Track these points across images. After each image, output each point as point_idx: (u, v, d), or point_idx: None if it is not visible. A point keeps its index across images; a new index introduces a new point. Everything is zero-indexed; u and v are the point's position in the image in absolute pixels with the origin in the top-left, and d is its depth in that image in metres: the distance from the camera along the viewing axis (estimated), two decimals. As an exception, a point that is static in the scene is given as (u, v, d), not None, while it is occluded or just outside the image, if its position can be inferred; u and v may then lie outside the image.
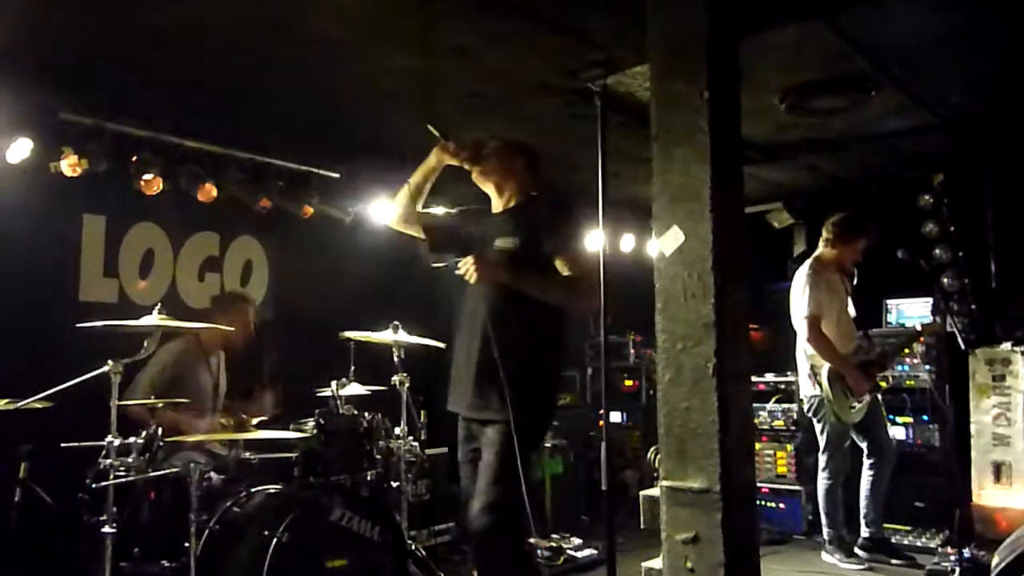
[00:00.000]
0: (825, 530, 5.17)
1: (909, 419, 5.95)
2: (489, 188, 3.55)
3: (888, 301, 6.60)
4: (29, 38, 3.74)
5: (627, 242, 7.42)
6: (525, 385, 3.15)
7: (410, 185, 3.58)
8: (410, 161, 3.67)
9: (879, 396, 5.21)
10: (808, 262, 5.29)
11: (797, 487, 5.94)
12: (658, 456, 3.20)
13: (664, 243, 2.84)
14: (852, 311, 5.32)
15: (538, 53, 3.93)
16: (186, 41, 3.80)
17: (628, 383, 7.42)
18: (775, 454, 6.05)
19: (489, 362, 3.18)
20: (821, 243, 5.37)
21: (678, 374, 2.79)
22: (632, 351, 7.41)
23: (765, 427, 6.13)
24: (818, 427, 5.19)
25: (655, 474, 5.22)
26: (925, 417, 5.92)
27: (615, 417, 7.01)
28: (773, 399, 6.23)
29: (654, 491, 4.23)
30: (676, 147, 2.85)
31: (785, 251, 7.36)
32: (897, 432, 5.82)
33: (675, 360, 2.80)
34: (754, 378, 6.10)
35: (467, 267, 3.13)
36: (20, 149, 4.29)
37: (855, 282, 5.42)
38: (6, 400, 3.56)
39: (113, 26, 3.68)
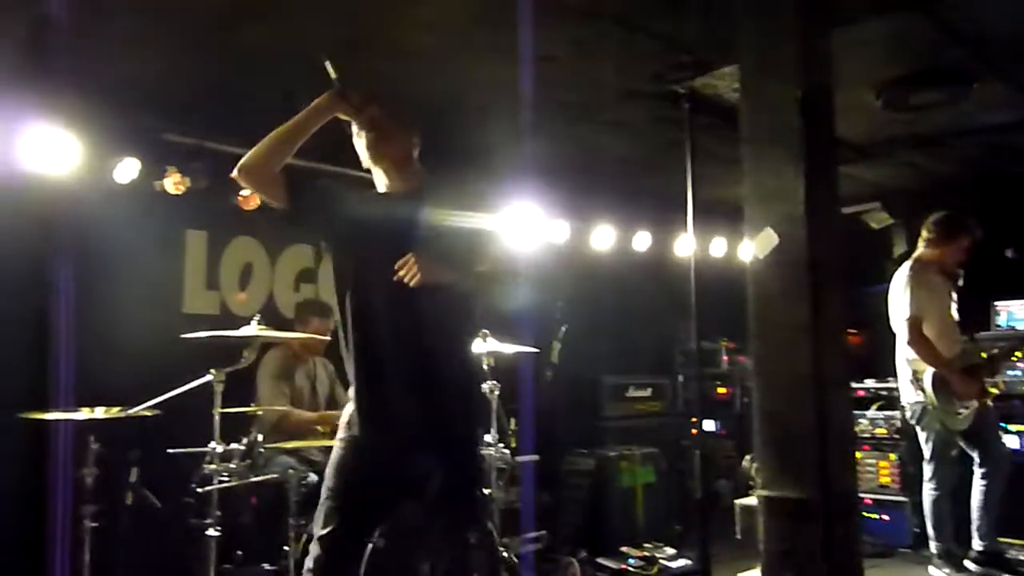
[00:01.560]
0: (932, 543, 4.94)
1: (1023, 427, 5.64)
2: (382, 164, 2.79)
3: (996, 303, 6.29)
4: (134, 64, 3.93)
5: (718, 246, 7.29)
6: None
7: (282, 129, 2.76)
8: (503, 172, 3.65)
9: (990, 403, 4.95)
10: (908, 263, 5.09)
11: (902, 498, 5.71)
12: (754, 464, 3.12)
13: (758, 245, 2.78)
14: (956, 314, 5.09)
15: (624, 58, 3.91)
16: (280, 60, 3.92)
17: (721, 391, 7.28)
18: (877, 463, 5.83)
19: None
20: (921, 243, 5.16)
21: (774, 380, 2.73)
22: (725, 358, 7.27)
23: (866, 435, 5.91)
24: (922, 435, 4.97)
25: (751, 483, 5.10)
26: (1040, 425, 5.61)
27: (708, 425, 6.89)
28: (874, 406, 6.00)
29: (750, 500, 4.14)
30: (768, 148, 2.79)
31: (884, 252, 7.10)
32: (1011, 441, 5.53)
33: (770, 365, 2.73)
34: (853, 384, 5.90)
35: (406, 267, 2.42)
36: (128, 169, 4.50)
37: (960, 284, 5.18)
38: (117, 408, 3.74)
39: (210, 48, 3.83)
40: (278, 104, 4.43)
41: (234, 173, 2.76)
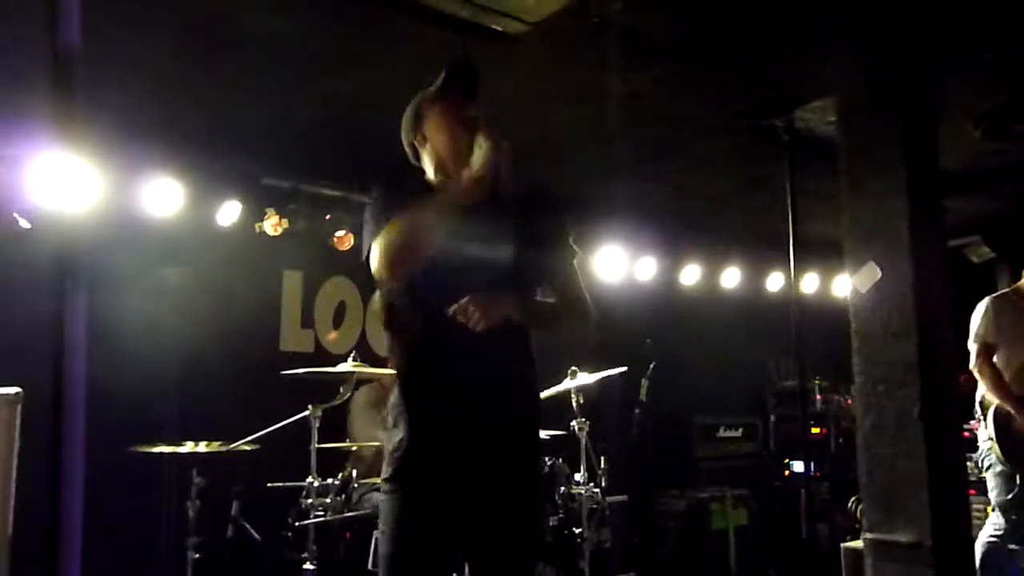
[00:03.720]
0: None
1: None
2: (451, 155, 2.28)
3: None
4: (232, 111, 4.12)
5: (809, 282, 7.13)
6: None
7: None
8: (589, 212, 3.65)
9: None
10: (1004, 291, 4.75)
11: (1012, 545, 5.40)
12: (860, 507, 3.01)
13: (859, 280, 2.70)
14: None
15: (712, 94, 3.90)
16: (376, 105, 4.04)
17: (815, 431, 7.06)
18: (985, 509, 5.54)
19: None
20: None
21: (880, 419, 2.63)
22: (819, 396, 7.06)
23: (974, 479, 5.64)
24: (988, 479, 4.53)
25: (857, 526, 4.90)
26: None
27: (801, 467, 6.67)
28: (982, 448, 5.73)
29: (857, 543, 3.97)
30: (868, 181, 2.73)
31: (986, 288, 6.81)
32: None
33: (876, 404, 2.64)
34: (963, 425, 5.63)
35: (468, 313, 2.04)
36: (229, 212, 4.69)
37: None
38: (219, 443, 3.86)
39: (305, 93, 3.98)
40: (373, 149, 4.60)
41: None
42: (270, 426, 3.80)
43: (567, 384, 4.25)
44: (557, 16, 3.28)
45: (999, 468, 4.40)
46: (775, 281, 7.04)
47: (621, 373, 4.38)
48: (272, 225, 4.80)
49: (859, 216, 2.75)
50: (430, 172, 2.34)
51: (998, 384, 4.38)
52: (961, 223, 6.39)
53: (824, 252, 6.48)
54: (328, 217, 5.06)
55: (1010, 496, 4.39)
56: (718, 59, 3.53)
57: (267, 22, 3.40)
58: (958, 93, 3.97)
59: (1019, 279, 5.03)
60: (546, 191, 2.46)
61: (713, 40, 3.39)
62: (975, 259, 6.65)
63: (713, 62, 3.55)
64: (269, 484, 3.82)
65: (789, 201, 3.38)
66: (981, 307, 4.55)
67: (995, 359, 4.42)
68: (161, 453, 3.78)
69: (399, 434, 2.22)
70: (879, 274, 2.64)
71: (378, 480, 4.03)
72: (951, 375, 2.76)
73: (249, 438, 3.79)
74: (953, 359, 2.75)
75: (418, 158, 2.39)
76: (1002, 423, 4.34)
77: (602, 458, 4.57)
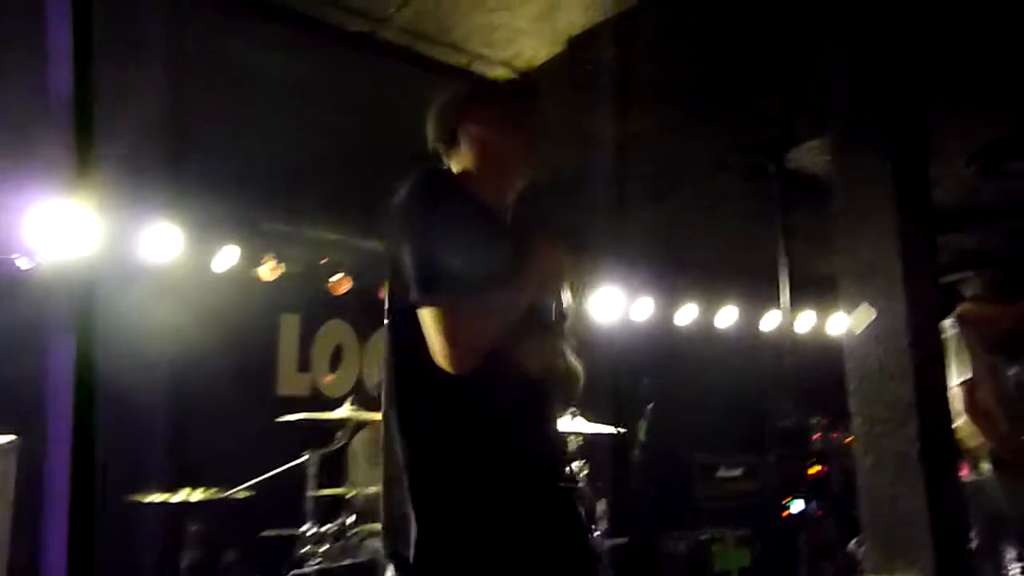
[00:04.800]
0: None
1: None
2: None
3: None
4: (232, 156, 4.15)
5: (806, 321, 7.13)
6: None
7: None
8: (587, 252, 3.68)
9: None
10: (948, 321, 4.55)
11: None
12: (861, 547, 2.99)
13: (854, 321, 2.71)
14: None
15: (709, 134, 3.95)
16: (375, 154, 4.08)
17: (815, 469, 7.00)
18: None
19: None
20: (968, 301, 4.57)
21: (880, 459, 2.62)
22: (818, 434, 7.01)
23: (976, 518, 5.59)
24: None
25: (858, 566, 4.83)
26: None
27: (803, 506, 6.61)
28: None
29: (858, 586, 3.94)
30: (862, 221, 2.75)
31: (1018, 331, 6.80)
32: None
33: (875, 444, 2.63)
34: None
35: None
36: (227, 257, 4.70)
37: None
38: (213, 490, 3.82)
39: (303, 139, 4.02)
40: (371, 194, 4.64)
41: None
42: (266, 472, 3.77)
43: (566, 426, 4.23)
44: (551, 63, 3.33)
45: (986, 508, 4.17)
46: (772, 319, 7.04)
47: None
48: (269, 269, 4.81)
49: (853, 257, 2.77)
50: (458, 167, 2.03)
51: (993, 426, 3.89)
52: (956, 258, 6.41)
53: (821, 289, 6.48)
54: (325, 261, 5.07)
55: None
56: (712, 101, 3.58)
57: (268, 69, 3.44)
58: (951, 132, 4.01)
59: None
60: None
61: (707, 83, 3.44)
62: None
63: (707, 104, 3.60)
64: (264, 532, 3.77)
65: (782, 240, 3.39)
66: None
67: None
68: (154, 502, 3.73)
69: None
70: (874, 315, 2.65)
71: (376, 526, 4.01)
72: (948, 414, 2.75)
73: (244, 485, 3.75)
74: (947, 398, 2.75)
75: (446, 151, 2.07)
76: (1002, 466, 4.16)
77: (601, 500, 4.54)
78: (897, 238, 2.65)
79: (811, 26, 2.92)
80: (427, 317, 1.71)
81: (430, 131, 2.08)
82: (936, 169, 3.47)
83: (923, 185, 2.84)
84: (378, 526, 4.03)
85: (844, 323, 2.80)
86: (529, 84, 2.65)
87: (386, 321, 1.90)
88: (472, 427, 1.78)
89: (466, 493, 1.75)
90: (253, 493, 3.79)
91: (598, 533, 4.31)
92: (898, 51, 2.83)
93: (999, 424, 4.08)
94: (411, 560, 1.72)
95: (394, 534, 1.80)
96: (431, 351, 1.70)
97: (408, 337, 1.76)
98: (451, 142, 2.03)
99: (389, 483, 1.83)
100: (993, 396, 4.16)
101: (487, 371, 1.74)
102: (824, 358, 2.83)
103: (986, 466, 4.04)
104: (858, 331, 2.74)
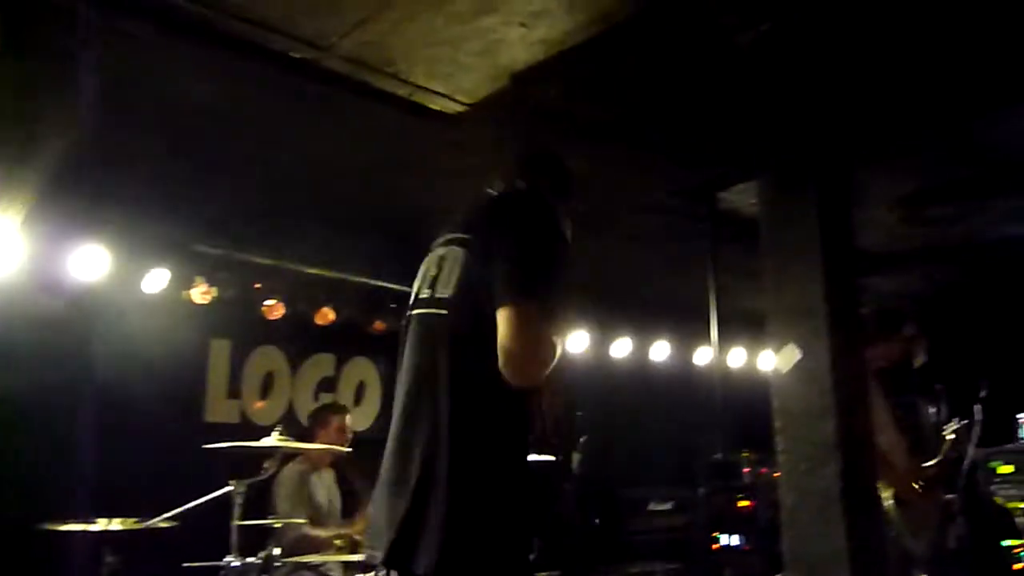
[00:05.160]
0: None
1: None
2: None
3: (1020, 416, 6.19)
4: (165, 178, 4.08)
5: (738, 356, 7.27)
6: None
7: None
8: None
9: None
10: None
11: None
12: (784, 584, 3.04)
13: (780, 361, 2.78)
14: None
15: (645, 173, 4.03)
16: (311, 179, 4.06)
17: (743, 503, 7.11)
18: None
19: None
20: None
21: (803, 498, 2.68)
22: (746, 469, 7.13)
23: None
24: None
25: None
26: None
27: (733, 540, 6.69)
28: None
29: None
30: (789, 264, 2.83)
31: (903, 363, 7.04)
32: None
33: (799, 481, 2.70)
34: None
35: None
36: (157, 279, 4.59)
37: (982, 395, 4.89)
38: (134, 519, 3.69)
39: (241, 163, 3.98)
40: (307, 218, 4.61)
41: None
42: (191, 501, 3.66)
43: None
44: (494, 98, 3.37)
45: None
46: (703, 355, 7.16)
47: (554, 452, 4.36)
48: (200, 293, 4.72)
49: (780, 298, 2.85)
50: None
51: (889, 465, 3.74)
52: (878, 301, 6.63)
53: (752, 327, 6.63)
54: (258, 286, 5.00)
55: None
56: (647, 142, 3.65)
57: (205, 92, 3.41)
58: (875, 180, 4.16)
59: (935, 355, 5.16)
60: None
61: (642, 125, 3.51)
62: (894, 335, 6.88)
63: (643, 145, 3.68)
64: (185, 564, 3.66)
65: (711, 278, 3.48)
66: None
67: None
68: (71, 531, 3.60)
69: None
70: (799, 355, 2.72)
71: (303, 559, 3.93)
72: (870, 454, 2.83)
73: (167, 515, 3.64)
74: (871, 437, 2.83)
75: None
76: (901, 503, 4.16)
77: (533, 534, 4.52)
78: (822, 281, 2.74)
79: (743, 74, 3.01)
80: (518, 317, 1.80)
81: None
82: (861, 215, 3.60)
83: (848, 230, 2.95)
84: (308, 558, 3.98)
85: (772, 362, 2.87)
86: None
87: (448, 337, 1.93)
88: (517, 449, 1.92)
89: (508, 506, 1.86)
90: (176, 523, 3.68)
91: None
92: (825, 101, 2.95)
93: (897, 462, 4.17)
94: (434, 568, 1.76)
95: (401, 546, 1.82)
96: (507, 357, 1.79)
97: (474, 352, 1.84)
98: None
99: (400, 495, 1.86)
100: (890, 433, 4.27)
101: (529, 399, 1.91)
102: (755, 394, 2.88)
103: (889, 503, 4.12)
104: (784, 370, 2.81)
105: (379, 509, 1.97)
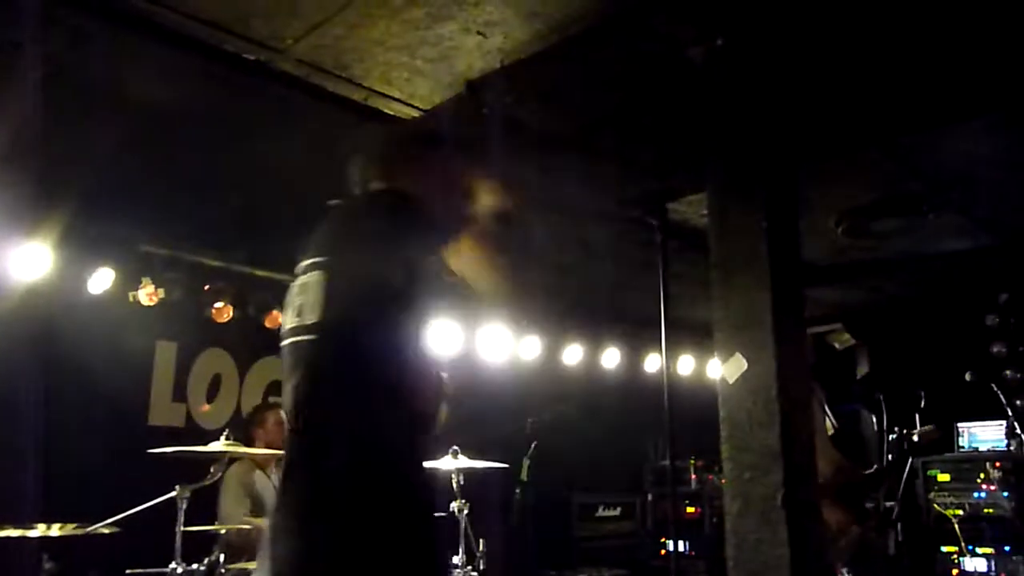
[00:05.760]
0: None
1: (990, 549, 5.64)
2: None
3: (959, 425, 6.38)
4: (113, 176, 4.01)
5: (685, 364, 7.36)
6: None
7: None
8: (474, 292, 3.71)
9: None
10: None
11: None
12: (728, 590, 3.08)
13: (727, 370, 2.83)
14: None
15: (593, 183, 4.06)
16: (260, 175, 4.02)
17: (690, 510, 7.20)
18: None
19: None
20: None
21: (746, 505, 2.73)
22: (693, 476, 7.23)
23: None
24: None
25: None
26: (1007, 548, 5.61)
27: (678, 546, 6.78)
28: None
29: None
30: (736, 274, 2.88)
31: (848, 373, 7.21)
32: (979, 564, 5.52)
33: (743, 490, 2.74)
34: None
35: None
36: (102, 279, 4.50)
37: (921, 405, 5.06)
38: (74, 525, 3.62)
39: (191, 162, 3.93)
40: (259, 219, 4.56)
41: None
42: (134, 507, 3.60)
43: (448, 464, 4.22)
44: (448, 104, 3.38)
45: None
46: (653, 362, 7.24)
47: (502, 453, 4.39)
48: (147, 294, 4.64)
49: (727, 308, 2.89)
50: None
51: None
52: (824, 311, 6.78)
53: (700, 335, 6.73)
54: (207, 288, 4.94)
55: None
56: (599, 152, 3.69)
57: (155, 91, 3.36)
58: (822, 192, 4.26)
59: (879, 365, 5.32)
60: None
61: (596, 134, 3.55)
62: (837, 345, 7.01)
63: (594, 155, 3.71)
64: (128, 571, 3.59)
65: (661, 287, 3.53)
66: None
67: None
68: (7, 537, 3.51)
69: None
70: (745, 365, 2.77)
71: (248, 565, 3.88)
72: (811, 461, 2.89)
73: (109, 520, 3.57)
74: (814, 447, 2.89)
75: None
76: None
77: (481, 540, 4.53)
78: (768, 291, 2.79)
79: (695, 87, 3.07)
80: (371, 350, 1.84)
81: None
82: (807, 228, 3.68)
83: (794, 241, 3.00)
84: (249, 564, 3.93)
85: (719, 371, 2.91)
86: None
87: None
88: (403, 462, 1.90)
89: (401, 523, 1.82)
90: (118, 529, 3.61)
91: (476, 573, 4.29)
92: (774, 114, 3.01)
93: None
94: None
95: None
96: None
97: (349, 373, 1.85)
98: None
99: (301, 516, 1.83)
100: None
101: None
102: (702, 401, 2.93)
103: None
104: (731, 380, 2.85)
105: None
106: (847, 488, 4.41)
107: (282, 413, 3.95)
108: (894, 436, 4.64)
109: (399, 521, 1.82)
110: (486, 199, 2.20)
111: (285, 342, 2.01)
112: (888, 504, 4.54)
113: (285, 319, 2.07)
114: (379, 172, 2.19)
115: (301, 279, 2.03)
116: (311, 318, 1.94)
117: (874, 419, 4.89)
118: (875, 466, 4.58)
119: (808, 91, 3.26)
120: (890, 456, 4.61)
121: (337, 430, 1.85)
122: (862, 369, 7.13)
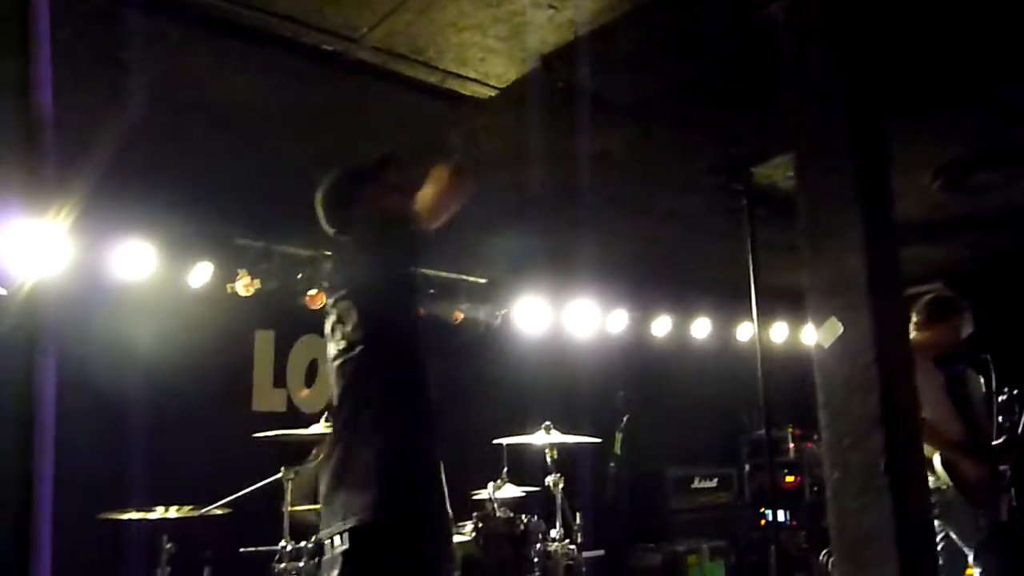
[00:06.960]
0: None
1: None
2: None
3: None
4: (205, 174, 4.15)
5: (779, 331, 7.21)
6: None
7: None
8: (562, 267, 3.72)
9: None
10: None
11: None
12: (831, 559, 3.02)
13: (822, 335, 2.76)
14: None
15: (679, 152, 4.00)
16: (343, 164, 4.09)
17: (789, 479, 7.07)
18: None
19: None
20: (911, 328, 4.67)
21: (847, 472, 2.66)
22: (792, 445, 7.09)
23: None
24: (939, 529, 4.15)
25: (829, 577, 4.84)
26: None
27: (777, 516, 6.67)
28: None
29: (829, 596, 3.98)
30: (827, 238, 2.80)
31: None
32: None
33: (843, 457, 2.67)
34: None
35: None
36: (201, 273, 4.69)
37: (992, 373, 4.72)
38: (190, 507, 3.81)
39: (276, 154, 4.03)
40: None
41: None
42: (243, 489, 3.76)
43: (541, 439, 4.25)
44: (524, 81, 3.37)
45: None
46: (745, 331, 7.11)
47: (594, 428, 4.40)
48: (244, 286, 4.81)
49: (819, 272, 2.81)
50: None
51: (933, 433, 4.12)
52: (924, 271, 6.51)
53: (793, 302, 6.57)
54: (299, 276, 5.08)
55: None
56: (681, 119, 3.63)
57: (237, 87, 3.46)
58: (915, 147, 4.09)
59: (982, 324, 5.06)
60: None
61: (676, 101, 3.49)
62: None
63: (677, 122, 3.65)
64: (241, 549, 3.76)
65: (750, 254, 3.45)
66: None
67: None
68: (130, 520, 3.72)
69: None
70: (841, 329, 2.69)
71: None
72: (915, 427, 2.80)
73: (221, 502, 3.75)
74: (916, 411, 2.80)
75: None
76: (949, 468, 4.18)
77: (577, 513, 4.56)
78: (862, 253, 2.69)
79: (771, 43, 2.97)
80: None
81: None
82: (902, 184, 3.55)
83: (886, 200, 2.89)
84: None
85: (814, 336, 2.84)
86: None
87: None
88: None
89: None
90: (230, 510, 3.79)
91: (574, 546, 4.33)
92: (861, 68, 2.89)
93: (941, 432, 4.10)
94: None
95: None
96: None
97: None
98: None
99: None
100: (940, 405, 4.21)
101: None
102: (798, 369, 2.86)
103: (940, 468, 4.09)
104: (826, 345, 2.78)
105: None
106: (983, 449, 4.29)
107: None
108: (1003, 397, 4.45)
109: None
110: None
111: (334, 363, 2.48)
112: (1002, 468, 4.38)
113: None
114: (341, 220, 2.75)
115: (332, 313, 2.53)
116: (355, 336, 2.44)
117: (982, 380, 4.68)
118: (1003, 437, 4.44)
119: (897, 43, 3.13)
120: (999, 418, 4.45)
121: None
122: (966, 329, 6.83)
